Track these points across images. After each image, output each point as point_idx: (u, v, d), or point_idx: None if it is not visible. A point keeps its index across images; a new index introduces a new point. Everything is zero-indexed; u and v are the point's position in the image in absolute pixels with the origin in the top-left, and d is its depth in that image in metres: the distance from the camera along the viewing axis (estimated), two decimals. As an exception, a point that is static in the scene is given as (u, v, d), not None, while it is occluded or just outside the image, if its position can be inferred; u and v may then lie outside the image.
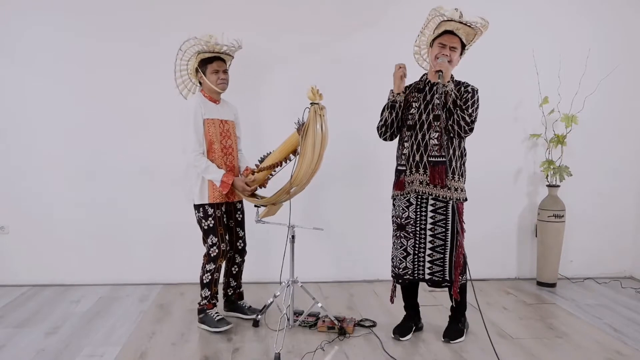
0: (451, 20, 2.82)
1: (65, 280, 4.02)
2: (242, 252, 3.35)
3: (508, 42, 4.11)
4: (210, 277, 3.14)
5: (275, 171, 3.11)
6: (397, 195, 2.98)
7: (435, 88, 2.86)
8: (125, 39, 3.88)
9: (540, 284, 4.17)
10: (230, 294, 3.38)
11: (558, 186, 4.13)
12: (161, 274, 4.07)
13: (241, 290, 3.42)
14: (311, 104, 2.90)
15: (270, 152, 3.14)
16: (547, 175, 4.16)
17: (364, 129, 4.07)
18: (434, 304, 3.61)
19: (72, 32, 3.87)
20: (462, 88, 2.88)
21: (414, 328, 3.12)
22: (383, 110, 3.00)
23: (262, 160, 3.14)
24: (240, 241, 3.32)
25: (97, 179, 3.98)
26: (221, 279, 3.36)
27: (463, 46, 2.89)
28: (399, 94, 2.92)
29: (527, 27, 4.12)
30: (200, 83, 3.19)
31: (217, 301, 3.23)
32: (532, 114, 4.20)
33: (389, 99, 2.96)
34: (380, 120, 3.01)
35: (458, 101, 2.81)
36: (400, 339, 3.03)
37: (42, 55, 3.87)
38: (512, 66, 4.14)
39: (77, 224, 4.00)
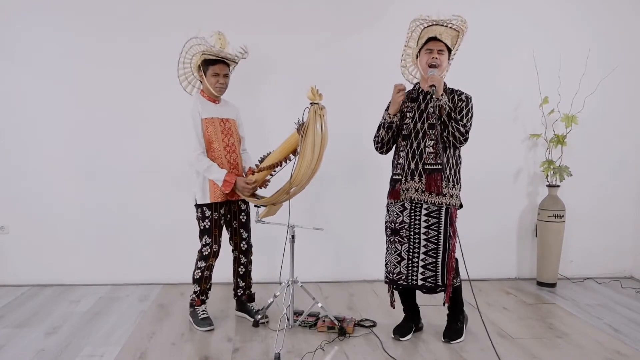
0: (433, 25, 2.86)
1: (65, 280, 4.02)
2: (247, 253, 3.34)
3: (508, 42, 4.11)
4: (200, 273, 3.18)
5: (275, 171, 3.11)
6: (391, 202, 2.98)
7: (429, 98, 2.85)
8: (125, 38, 3.88)
9: (540, 284, 4.17)
10: (240, 294, 3.38)
11: (558, 186, 4.13)
12: (161, 274, 4.07)
13: (252, 292, 3.42)
14: (311, 104, 2.90)
15: (270, 152, 3.14)
16: (547, 175, 4.16)
17: (364, 129, 4.07)
18: (434, 304, 3.61)
19: (72, 32, 3.87)
20: (456, 97, 2.89)
21: (414, 328, 3.12)
22: (379, 128, 3.01)
23: (262, 160, 3.14)
24: (244, 242, 3.32)
25: (97, 179, 3.98)
26: (230, 280, 3.40)
27: (450, 51, 2.92)
28: (395, 115, 2.94)
29: (527, 27, 4.12)
30: (201, 82, 3.20)
31: (207, 298, 3.26)
32: (532, 114, 4.20)
33: (385, 119, 2.97)
34: (377, 136, 3.02)
35: (452, 113, 2.82)
36: (400, 339, 3.03)
37: (41, 55, 3.87)
38: (512, 66, 4.14)
39: (77, 224, 4.00)
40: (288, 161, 3.06)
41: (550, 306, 3.69)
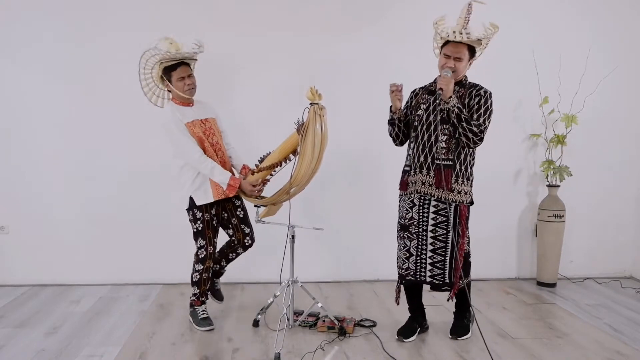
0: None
1: (65, 280, 4.01)
2: (248, 248, 3.34)
3: (508, 42, 4.10)
4: (199, 276, 3.19)
5: (275, 171, 3.11)
6: (402, 196, 3.00)
7: (437, 99, 2.78)
8: (126, 38, 3.87)
9: (540, 284, 4.17)
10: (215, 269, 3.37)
11: (558, 186, 4.13)
12: (161, 274, 4.07)
13: (223, 270, 3.42)
14: (311, 104, 2.90)
15: (270, 152, 3.14)
16: (547, 175, 4.16)
17: (364, 129, 4.08)
18: (434, 304, 3.61)
19: (73, 31, 3.86)
20: (474, 91, 2.84)
21: (418, 330, 3.10)
22: (387, 123, 3.02)
23: (262, 160, 3.14)
24: (248, 238, 3.30)
25: (97, 179, 3.97)
26: (229, 280, 3.43)
27: (473, 50, 2.85)
28: (395, 112, 2.94)
29: (527, 27, 4.12)
30: (169, 91, 3.14)
31: (207, 299, 3.27)
32: (532, 114, 4.20)
33: (389, 116, 2.99)
34: (388, 131, 3.03)
35: (462, 115, 2.76)
36: (404, 340, 3.01)
37: (41, 55, 3.86)
38: (512, 66, 4.13)
39: (77, 224, 4.00)
40: (288, 161, 3.06)
41: (550, 306, 3.69)
